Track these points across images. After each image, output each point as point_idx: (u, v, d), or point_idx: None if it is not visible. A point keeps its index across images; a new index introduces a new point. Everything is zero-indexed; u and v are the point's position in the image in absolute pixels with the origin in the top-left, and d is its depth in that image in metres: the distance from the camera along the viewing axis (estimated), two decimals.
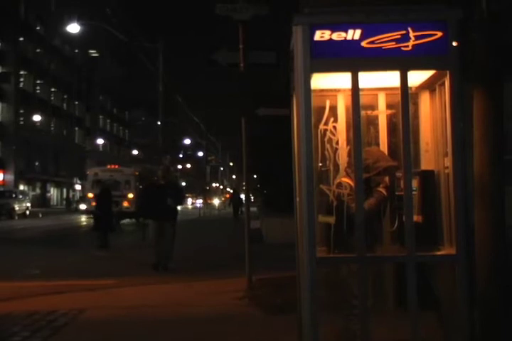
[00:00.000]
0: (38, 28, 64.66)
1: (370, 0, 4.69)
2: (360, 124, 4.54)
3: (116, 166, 37.62)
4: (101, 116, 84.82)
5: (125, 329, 7.21)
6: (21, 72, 60.62)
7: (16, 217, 41.84)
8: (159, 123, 30.73)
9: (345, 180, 4.88)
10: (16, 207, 43.40)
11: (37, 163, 64.50)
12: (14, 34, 57.63)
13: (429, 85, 4.99)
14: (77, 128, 76.54)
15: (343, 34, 4.41)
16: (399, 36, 4.39)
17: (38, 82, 64.77)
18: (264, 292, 9.07)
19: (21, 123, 60.11)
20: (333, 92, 5.13)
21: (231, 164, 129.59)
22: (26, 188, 59.37)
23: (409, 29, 4.38)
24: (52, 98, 68.47)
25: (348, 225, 4.67)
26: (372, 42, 4.40)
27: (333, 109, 5.08)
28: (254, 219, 20.41)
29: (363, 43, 4.41)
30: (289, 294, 7.17)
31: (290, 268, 6.34)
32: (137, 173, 34.99)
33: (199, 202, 77.70)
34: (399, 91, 4.46)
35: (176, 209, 12.91)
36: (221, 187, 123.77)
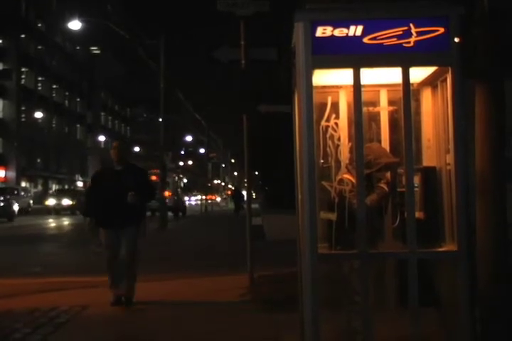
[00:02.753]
0: (39, 24, 64.63)
1: None
2: (362, 121, 4.54)
3: (157, 170, 42.40)
4: (102, 113, 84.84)
5: (126, 326, 7.21)
6: (23, 69, 60.62)
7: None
8: (160, 120, 30.73)
9: (347, 176, 4.88)
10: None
11: (38, 160, 64.55)
12: (15, 31, 57.60)
13: (430, 81, 4.98)
14: (78, 125, 76.57)
15: (344, 30, 4.40)
16: (400, 32, 4.38)
17: (40, 78, 64.78)
18: (266, 289, 9.07)
19: (23, 120, 60.12)
20: (335, 89, 5.12)
21: (232, 161, 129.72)
22: (28, 185, 59.45)
23: (411, 25, 4.37)
24: (53, 95, 68.49)
25: (350, 221, 4.66)
26: (373, 39, 4.39)
27: (335, 106, 5.07)
28: (256, 216, 20.44)
29: (365, 39, 4.39)
30: (291, 291, 7.17)
31: (292, 264, 6.34)
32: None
33: (194, 198, 77.25)
34: (400, 88, 4.45)
35: (143, 208, 8.62)
36: (223, 184, 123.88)
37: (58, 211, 44.04)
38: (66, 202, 44.50)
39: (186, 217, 40.34)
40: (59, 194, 48.40)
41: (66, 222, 34.25)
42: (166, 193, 39.77)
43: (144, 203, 8.51)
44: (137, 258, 8.33)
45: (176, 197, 42.20)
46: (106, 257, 8.24)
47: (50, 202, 46.02)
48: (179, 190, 45.65)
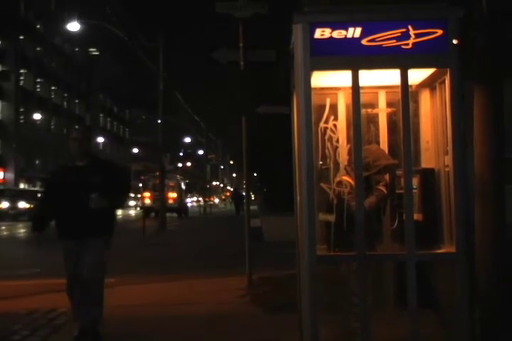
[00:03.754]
0: (38, 26, 64.61)
1: None
2: (361, 122, 4.54)
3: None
4: (101, 115, 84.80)
5: (125, 327, 7.20)
6: (21, 71, 60.57)
7: None
8: (159, 121, 30.76)
9: (345, 178, 4.88)
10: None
11: (37, 162, 64.52)
12: (14, 32, 57.58)
13: (429, 83, 4.98)
14: (77, 127, 76.53)
15: (343, 32, 4.41)
16: (399, 34, 4.39)
17: (38, 80, 64.73)
18: (265, 290, 9.07)
19: (21, 121, 60.09)
20: (334, 90, 5.13)
21: (231, 162, 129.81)
22: (27, 186, 59.38)
23: (410, 27, 4.38)
24: (52, 96, 68.43)
25: (348, 223, 4.66)
26: (372, 41, 4.40)
27: (334, 107, 5.07)
28: (255, 218, 20.46)
29: (364, 41, 4.40)
30: (290, 292, 7.18)
31: (290, 266, 6.34)
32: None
33: (189, 200, 77.45)
34: (399, 90, 4.45)
35: (112, 215, 6.71)
36: (221, 185, 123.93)
37: (15, 216, 35.99)
38: (23, 204, 36.80)
39: (188, 218, 41.83)
40: (14, 195, 39.08)
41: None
42: (173, 195, 42.21)
43: (114, 207, 6.71)
44: (102, 278, 6.55)
45: (180, 199, 43.77)
46: (67, 278, 6.53)
47: (3, 205, 37.28)
48: (182, 191, 46.46)
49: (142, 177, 33.33)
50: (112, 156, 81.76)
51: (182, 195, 46.03)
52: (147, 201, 37.35)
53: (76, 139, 6.51)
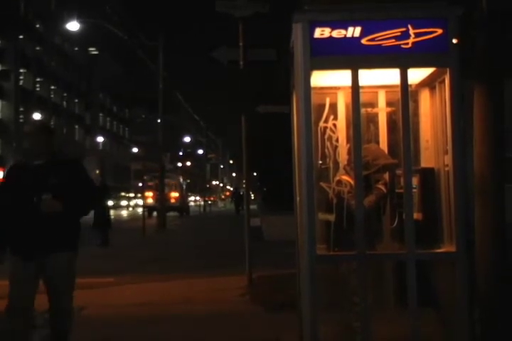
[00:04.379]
0: (37, 25, 64.62)
1: None
2: (360, 122, 4.54)
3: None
4: (101, 114, 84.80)
5: (125, 327, 7.20)
6: (21, 70, 60.58)
7: None
8: (159, 120, 30.75)
9: (345, 177, 4.88)
10: None
11: None
12: (14, 32, 57.57)
13: (429, 83, 4.98)
14: (77, 126, 76.52)
15: (342, 31, 4.41)
16: (399, 33, 4.39)
17: (38, 79, 64.74)
18: (265, 289, 9.08)
19: (21, 120, 60.11)
20: (333, 90, 5.12)
21: (231, 162, 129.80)
22: None
23: (409, 26, 4.37)
24: (52, 96, 68.44)
25: (348, 222, 4.67)
26: (372, 40, 4.40)
27: (333, 107, 5.07)
28: (255, 217, 20.46)
29: (363, 41, 4.40)
30: (290, 291, 7.18)
31: (290, 265, 6.34)
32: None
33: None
34: (399, 89, 4.45)
35: (75, 224, 5.30)
36: (221, 185, 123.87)
37: None
38: None
39: (189, 217, 42.49)
40: None
41: None
42: (175, 194, 42.95)
43: (80, 212, 5.29)
44: (72, 314, 5.37)
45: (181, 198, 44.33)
46: (14, 299, 5.34)
47: None
48: (184, 190, 46.77)
49: (144, 177, 33.32)
50: (111, 155, 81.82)
51: (183, 194, 46.37)
52: (150, 200, 37.64)
53: (29, 134, 5.34)
